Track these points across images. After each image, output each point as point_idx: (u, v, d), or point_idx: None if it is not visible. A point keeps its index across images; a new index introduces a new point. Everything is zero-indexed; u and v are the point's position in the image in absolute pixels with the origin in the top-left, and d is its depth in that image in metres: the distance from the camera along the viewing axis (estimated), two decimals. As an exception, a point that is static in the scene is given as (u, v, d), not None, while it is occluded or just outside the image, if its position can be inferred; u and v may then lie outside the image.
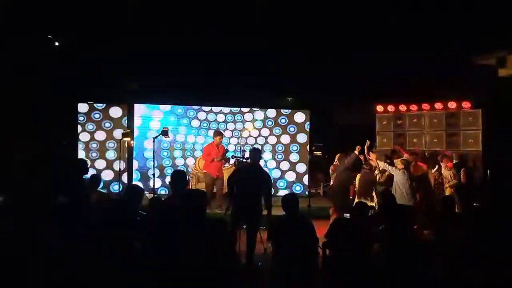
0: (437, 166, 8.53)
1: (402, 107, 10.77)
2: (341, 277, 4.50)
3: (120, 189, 9.72)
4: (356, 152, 8.04)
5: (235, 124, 12.18)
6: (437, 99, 10.21)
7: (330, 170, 9.38)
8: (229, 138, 12.10)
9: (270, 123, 12.20)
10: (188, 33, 8.90)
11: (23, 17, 7.79)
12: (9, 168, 8.59)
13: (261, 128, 12.19)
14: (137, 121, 11.61)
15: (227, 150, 10.06)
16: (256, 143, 12.18)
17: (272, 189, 11.78)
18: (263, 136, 12.21)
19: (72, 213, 4.71)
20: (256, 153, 6.62)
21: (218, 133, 9.83)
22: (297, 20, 8.38)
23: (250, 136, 12.15)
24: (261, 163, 11.57)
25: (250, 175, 6.26)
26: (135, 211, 4.68)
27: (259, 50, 9.19)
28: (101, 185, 8.67)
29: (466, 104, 9.83)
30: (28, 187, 7.49)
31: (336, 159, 9.09)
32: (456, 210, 6.73)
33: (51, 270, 3.86)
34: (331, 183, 9.25)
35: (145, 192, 9.83)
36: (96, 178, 7.51)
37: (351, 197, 8.38)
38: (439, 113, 10.23)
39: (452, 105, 10.02)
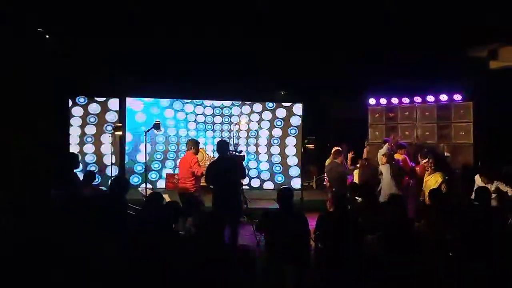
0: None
1: (394, 100, 10.80)
2: (333, 269, 4.52)
3: (98, 182, 9.64)
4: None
5: (222, 118, 12.21)
6: (429, 91, 10.24)
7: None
8: (221, 132, 12.17)
9: (262, 116, 12.24)
10: (177, 28, 8.83)
11: (10, 9, 7.68)
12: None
13: (252, 122, 12.23)
14: (128, 115, 11.63)
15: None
16: (249, 136, 12.22)
17: (258, 180, 12.04)
18: (254, 130, 12.25)
19: (64, 207, 4.69)
20: (223, 145, 6.65)
21: (192, 142, 7.49)
22: (289, 14, 8.35)
23: (240, 129, 12.19)
24: (252, 156, 12.06)
25: (223, 168, 6.36)
26: (125, 203, 4.73)
27: (252, 43, 9.15)
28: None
29: (457, 97, 9.88)
30: (20, 181, 7.44)
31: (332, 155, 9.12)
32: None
33: (46, 263, 3.84)
34: (325, 176, 9.27)
35: (139, 188, 9.97)
36: (91, 173, 7.47)
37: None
38: (430, 105, 10.27)
39: (443, 97, 10.06)
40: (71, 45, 9.33)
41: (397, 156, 8.30)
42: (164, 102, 11.94)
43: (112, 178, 6.12)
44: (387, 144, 8.28)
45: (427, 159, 8.01)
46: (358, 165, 8.96)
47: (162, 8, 8.16)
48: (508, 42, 8.93)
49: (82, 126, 11.42)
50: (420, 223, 5.59)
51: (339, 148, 8.69)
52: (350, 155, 9.31)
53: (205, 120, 12.16)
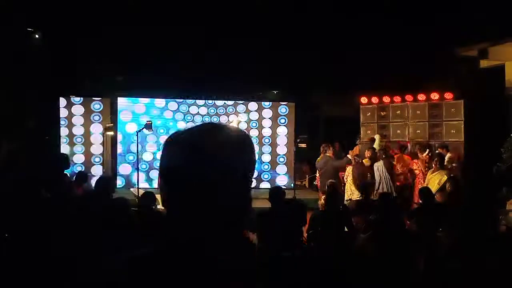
0: (427, 150, 8.48)
1: (386, 99, 10.84)
2: (326, 268, 4.52)
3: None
4: (349, 157, 8.12)
5: (218, 118, 12.15)
6: (420, 90, 10.30)
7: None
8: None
9: (254, 116, 12.20)
10: (171, 27, 8.81)
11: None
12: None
13: (245, 121, 12.18)
14: (119, 115, 11.54)
15: None
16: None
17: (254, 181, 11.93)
18: (247, 129, 12.20)
19: (53, 208, 4.65)
20: None
21: None
22: (281, 14, 8.37)
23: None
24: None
25: None
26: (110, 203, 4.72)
27: (245, 43, 9.15)
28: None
29: (448, 95, 9.93)
30: (8, 182, 7.35)
31: (321, 151, 9.12)
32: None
33: (31, 265, 3.80)
34: (317, 175, 9.28)
35: (131, 189, 9.92)
36: (82, 174, 7.42)
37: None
38: (422, 104, 10.32)
39: (435, 96, 10.11)
40: (61, 44, 9.27)
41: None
42: (161, 103, 11.87)
43: (97, 179, 6.09)
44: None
45: (428, 154, 7.98)
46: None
47: (153, 6, 8.15)
48: (498, 41, 9.00)
49: (75, 126, 11.33)
50: (411, 221, 5.62)
51: (324, 144, 8.73)
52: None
53: (202, 120, 12.09)
